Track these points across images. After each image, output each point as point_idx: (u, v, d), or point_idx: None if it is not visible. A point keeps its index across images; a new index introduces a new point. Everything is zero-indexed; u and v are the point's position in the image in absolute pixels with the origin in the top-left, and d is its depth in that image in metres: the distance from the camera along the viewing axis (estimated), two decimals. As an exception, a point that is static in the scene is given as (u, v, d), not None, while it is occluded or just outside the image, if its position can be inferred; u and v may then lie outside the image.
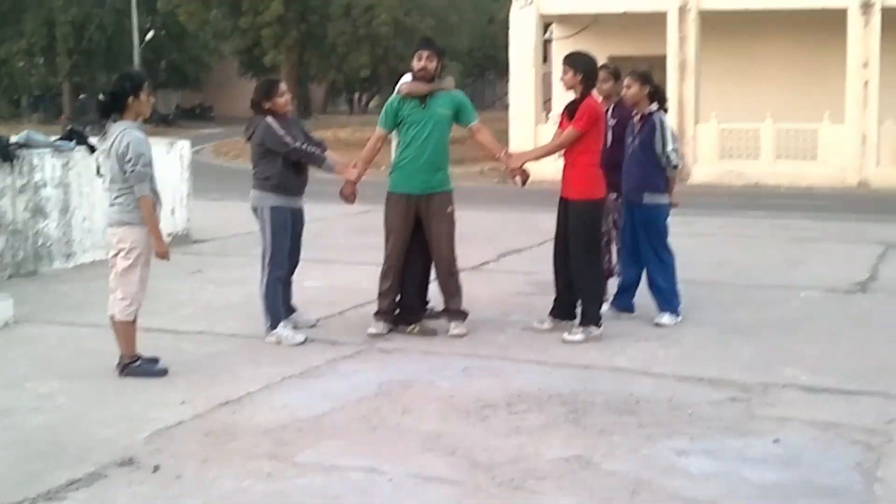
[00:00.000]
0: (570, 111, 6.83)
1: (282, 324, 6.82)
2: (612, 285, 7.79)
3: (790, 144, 20.25)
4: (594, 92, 6.95)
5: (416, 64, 6.92)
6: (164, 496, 4.19)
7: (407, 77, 7.17)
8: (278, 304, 6.86)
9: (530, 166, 7.16)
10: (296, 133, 6.90)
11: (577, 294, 6.92)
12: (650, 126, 7.20)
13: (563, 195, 6.92)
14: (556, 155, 7.08)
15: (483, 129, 7.15)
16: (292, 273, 7.21)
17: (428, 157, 6.94)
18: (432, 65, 6.92)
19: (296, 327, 6.98)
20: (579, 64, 6.84)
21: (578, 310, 6.94)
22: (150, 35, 45.42)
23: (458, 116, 7.03)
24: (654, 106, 7.26)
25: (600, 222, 7.00)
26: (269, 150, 6.83)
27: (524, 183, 7.08)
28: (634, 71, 7.43)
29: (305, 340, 6.76)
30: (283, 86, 7.06)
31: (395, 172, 7.07)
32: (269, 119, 6.82)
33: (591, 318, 6.83)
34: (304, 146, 6.89)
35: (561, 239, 7.02)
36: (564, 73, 6.85)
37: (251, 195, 6.95)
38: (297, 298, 7.37)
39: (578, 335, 6.76)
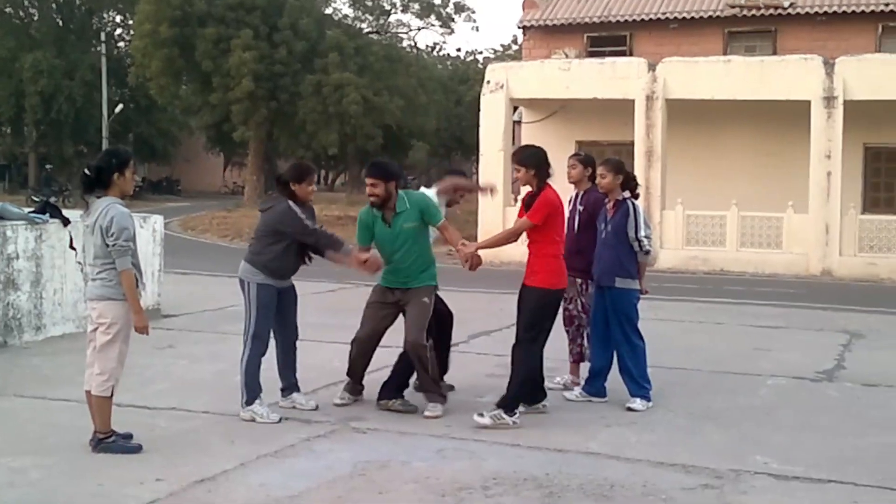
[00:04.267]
0: (528, 203, 6.91)
1: (258, 401, 6.81)
2: (584, 370, 7.89)
3: (755, 232, 20.66)
4: (549, 182, 6.96)
5: (367, 190, 7.17)
6: (142, 576, 4.15)
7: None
8: (256, 381, 6.87)
9: (486, 252, 7.31)
10: (311, 221, 7.00)
11: (511, 377, 6.90)
12: (623, 211, 7.38)
13: (523, 282, 6.96)
14: (520, 241, 7.19)
15: (449, 228, 7.31)
16: (293, 349, 7.24)
17: (407, 268, 7.18)
18: (378, 189, 7.06)
19: (294, 407, 7.03)
20: (528, 160, 6.95)
21: (547, 384, 7.00)
22: (119, 108, 45.67)
23: (425, 219, 7.18)
24: (627, 193, 7.46)
25: (548, 313, 6.91)
26: (278, 232, 6.88)
27: (473, 268, 7.10)
28: (608, 160, 7.63)
29: (280, 420, 6.75)
30: (315, 175, 7.20)
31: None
32: (291, 203, 6.90)
33: (510, 404, 6.78)
34: (324, 230, 7.06)
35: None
36: (516, 171, 6.98)
37: (241, 267, 6.99)
38: (266, 376, 7.37)
39: (486, 419, 6.70)
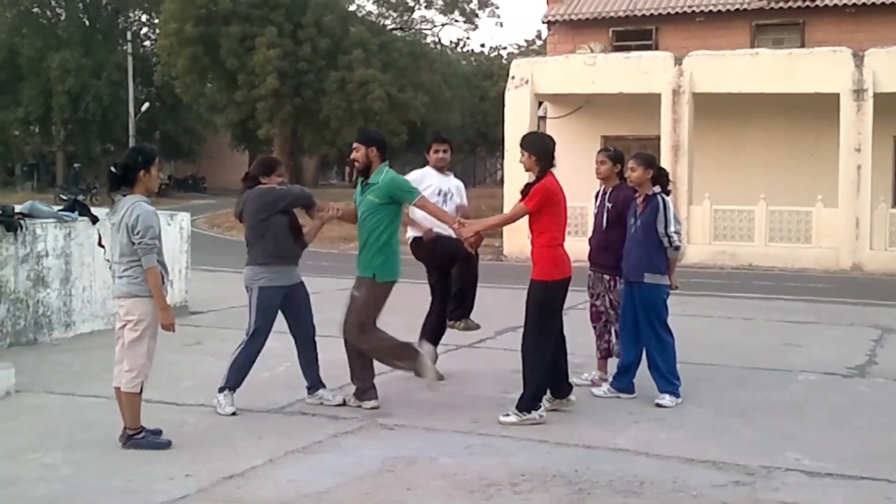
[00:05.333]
0: (525, 192, 6.86)
1: (226, 392, 6.86)
2: (612, 366, 7.85)
3: (783, 227, 20.49)
4: (553, 171, 6.89)
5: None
6: (172, 572, 4.16)
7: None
8: (238, 373, 6.94)
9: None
10: None
11: (523, 374, 6.86)
12: (653, 206, 7.31)
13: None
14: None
15: (430, 204, 7.25)
16: (312, 346, 7.26)
17: (361, 247, 7.19)
18: (358, 154, 7.11)
19: (321, 403, 7.09)
20: (531, 144, 6.93)
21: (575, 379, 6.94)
22: (145, 106, 45.95)
23: (398, 201, 7.12)
24: (658, 189, 7.38)
25: (553, 305, 6.83)
26: (261, 212, 6.91)
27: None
28: (639, 154, 7.56)
29: (234, 413, 6.78)
30: (283, 168, 7.29)
31: None
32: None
33: (527, 402, 6.72)
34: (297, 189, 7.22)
35: None
36: (521, 155, 6.93)
37: (244, 274, 7.07)
38: (293, 373, 7.43)
39: (512, 417, 6.68)
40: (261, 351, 7.04)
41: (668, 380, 7.37)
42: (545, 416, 6.73)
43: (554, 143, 7.01)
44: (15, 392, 7.27)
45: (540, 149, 6.88)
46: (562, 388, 7.11)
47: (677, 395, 7.35)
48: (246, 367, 6.96)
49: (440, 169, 8.20)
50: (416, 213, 7.74)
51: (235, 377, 6.91)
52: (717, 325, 11.69)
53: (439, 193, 8.07)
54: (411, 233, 8.13)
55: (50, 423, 6.55)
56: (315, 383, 7.23)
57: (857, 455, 6.08)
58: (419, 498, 5.13)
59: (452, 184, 8.22)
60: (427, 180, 8.14)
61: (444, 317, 8.01)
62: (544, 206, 6.71)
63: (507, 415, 6.71)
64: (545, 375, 6.84)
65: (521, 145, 6.98)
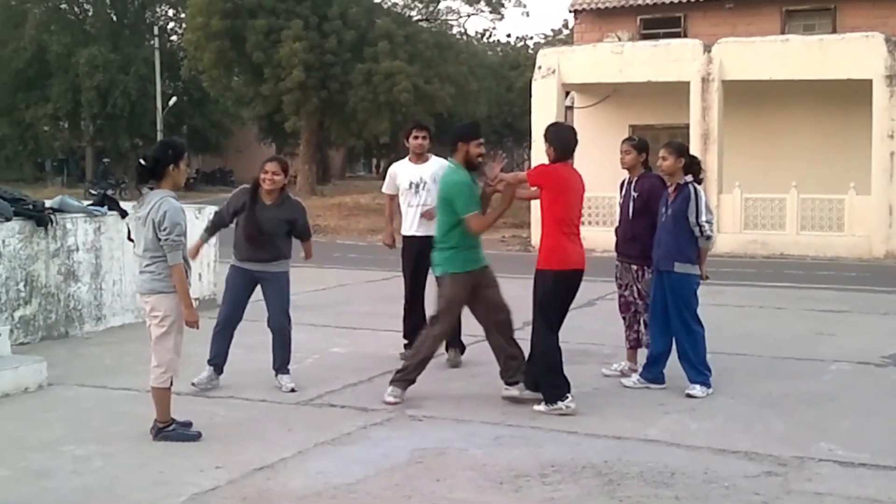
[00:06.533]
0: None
1: (208, 368, 7.38)
2: (641, 356, 7.80)
3: (815, 215, 20.29)
4: (569, 163, 6.92)
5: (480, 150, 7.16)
6: (203, 563, 4.17)
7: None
8: (212, 346, 7.42)
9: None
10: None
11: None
12: (684, 196, 7.24)
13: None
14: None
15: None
16: (279, 334, 7.54)
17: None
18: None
19: (278, 387, 7.35)
20: (548, 134, 7.01)
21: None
22: (172, 101, 46.21)
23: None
24: (690, 177, 7.31)
25: (552, 296, 6.79)
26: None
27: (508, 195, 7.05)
28: (671, 143, 7.51)
29: (196, 386, 7.15)
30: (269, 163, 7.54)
31: None
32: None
33: (549, 397, 6.71)
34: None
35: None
36: (545, 144, 6.99)
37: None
38: (322, 364, 7.57)
39: (541, 407, 6.72)
40: (221, 323, 7.54)
41: (698, 370, 7.31)
42: (573, 406, 6.69)
43: (576, 138, 7.03)
44: (48, 385, 7.33)
45: (559, 142, 6.91)
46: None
47: (708, 386, 7.29)
48: (213, 340, 7.52)
49: (419, 155, 8.41)
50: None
51: (209, 351, 7.49)
52: (747, 315, 11.59)
53: (410, 186, 8.35)
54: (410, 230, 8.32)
55: (82, 415, 6.60)
56: (278, 367, 7.49)
57: (891, 445, 6.00)
58: (448, 489, 5.12)
59: (428, 171, 8.30)
60: (400, 175, 8.48)
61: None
62: (548, 186, 6.73)
63: (539, 403, 6.73)
64: (555, 365, 6.78)
65: (545, 136, 7.04)
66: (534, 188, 6.95)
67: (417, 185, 8.30)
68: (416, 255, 8.21)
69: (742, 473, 5.42)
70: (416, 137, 8.40)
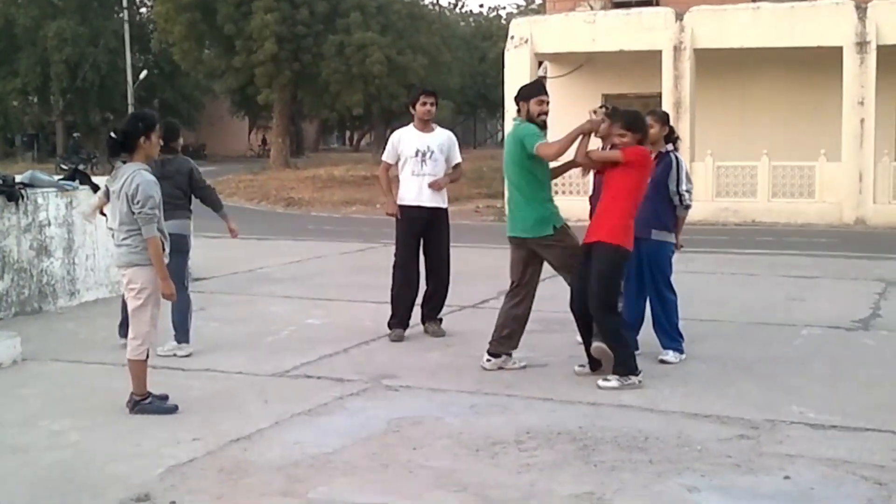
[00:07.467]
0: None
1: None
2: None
3: (786, 182, 20.42)
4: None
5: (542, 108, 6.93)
6: (182, 533, 4.20)
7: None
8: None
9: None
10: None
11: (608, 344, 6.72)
12: (666, 164, 7.26)
13: (591, 240, 6.69)
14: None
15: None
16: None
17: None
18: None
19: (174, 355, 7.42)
20: (631, 122, 6.73)
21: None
22: (143, 74, 45.74)
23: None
24: (671, 146, 7.35)
25: (619, 270, 6.75)
26: None
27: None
28: (655, 111, 7.56)
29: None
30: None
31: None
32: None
33: (624, 367, 6.59)
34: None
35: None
36: (623, 132, 6.71)
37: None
38: (297, 337, 7.68)
39: (613, 381, 6.56)
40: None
41: (671, 336, 7.39)
42: (642, 380, 6.60)
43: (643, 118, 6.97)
44: (22, 360, 7.31)
45: (643, 127, 6.77)
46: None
47: (681, 352, 7.37)
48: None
49: (426, 122, 8.14)
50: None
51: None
52: (720, 282, 11.69)
53: (416, 154, 8.05)
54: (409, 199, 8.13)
55: (57, 390, 6.59)
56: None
57: (862, 407, 6.10)
58: (425, 457, 5.16)
59: (436, 141, 8.12)
60: (404, 143, 8.13)
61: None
62: (640, 168, 6.60)
63: (607, 380, 6.56)
64: (624, 337, 6.73)
65: (628, 124, 6.68)
66: (611, 158, 6.73)
67: (424, 154, 8.03)
68: (424, 225, 8.05)
69: (714, 437, 5.50)
70: (425, 104, 8.07)
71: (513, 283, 7.14)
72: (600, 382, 6.57)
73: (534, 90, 7.05)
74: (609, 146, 6.89)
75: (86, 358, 7.49)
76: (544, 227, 6.89)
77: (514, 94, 7.13)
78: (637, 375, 6.60)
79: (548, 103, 7.01)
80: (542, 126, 6.94)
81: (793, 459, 5.11)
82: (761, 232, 18.70)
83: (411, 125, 8.26)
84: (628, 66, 22.16)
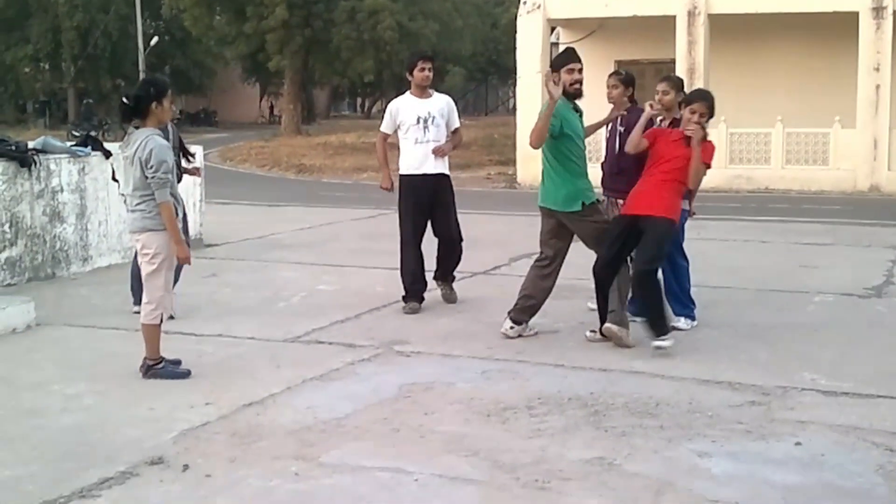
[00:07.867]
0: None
1: None
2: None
3: (800, 149, 20.30)
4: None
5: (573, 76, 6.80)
6: (195, 495, 4.23)
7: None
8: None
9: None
10: None
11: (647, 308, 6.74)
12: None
13: (639, 212, 6.70)
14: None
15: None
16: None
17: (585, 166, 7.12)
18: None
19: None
20: (710, 103, 6.85)
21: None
22: (154, 40, 45.61)
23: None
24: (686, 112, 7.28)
25: (670, 245, 6.93)
26: None
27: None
28: (670, 77, 7.50)
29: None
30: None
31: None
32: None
33: (664, 328, 6.63)
34: None
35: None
36: (697, 108, 6.78)
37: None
38: (309, 302, 7.56)
39: (667, 341, 6.56)
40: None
41: (682, 303, 7.37)
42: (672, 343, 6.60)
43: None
44: (35, 325, 7.35)
45: (713, 106, 6.85)
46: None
47: (693, 318, 7.36)
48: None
49: (423, 88, 8.02)
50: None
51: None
52: (733, 249, 11.66)
53: (418, 121, 7.92)
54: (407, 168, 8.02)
55: (71, 354, 6.63)
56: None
57: (874, 374, 6.09)
58: (436, 422, 5.18)
59: (436, 106, 7.99)
60: (403, 111, 7.99)
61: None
62: (705, 155, 6.75)
63: (663, 338, 6.56)
64: (659, 297, 6.77)
65: (707, 103, 6.80)
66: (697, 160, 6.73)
67: (426, 120, 7.89)
68: (431, 194, 7.93)
69: (726, 403, 5.50)
70: (423, 70, 7.92)
71: (542, 254, 7.10)
72: (657, 343, 6.52)
73: (562, 59, 6.90)
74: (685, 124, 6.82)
75: (99, 323, 7.52)
76: (573, 203, 6.83)
77: (550, 65, 7.03)
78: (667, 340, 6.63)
79: (579, 70, 6.85)
80: (575, 95, 6.85)
81: (804, 426, 5.11)
82: (775, 199, 18.61)
83: (408, 93, 8.10)
84: (641, 32, 21.97)
